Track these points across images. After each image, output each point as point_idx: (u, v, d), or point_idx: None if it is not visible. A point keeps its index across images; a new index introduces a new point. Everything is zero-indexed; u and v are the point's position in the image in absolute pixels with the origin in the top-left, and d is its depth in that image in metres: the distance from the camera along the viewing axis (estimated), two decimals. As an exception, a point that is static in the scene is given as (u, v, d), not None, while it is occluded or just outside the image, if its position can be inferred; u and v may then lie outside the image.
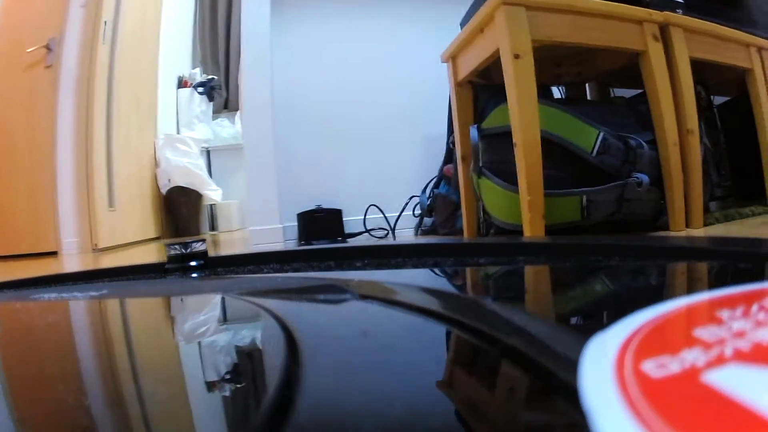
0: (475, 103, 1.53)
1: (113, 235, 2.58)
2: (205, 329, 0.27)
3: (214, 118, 3.67)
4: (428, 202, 1.89)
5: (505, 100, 1.20)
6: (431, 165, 2.08)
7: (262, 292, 0.33)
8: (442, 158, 1.91)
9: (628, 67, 1.40)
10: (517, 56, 1.15)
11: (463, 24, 1.50)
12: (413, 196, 2.10)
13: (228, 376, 0.19)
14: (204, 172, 3.29)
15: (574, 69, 1.59)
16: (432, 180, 1.95)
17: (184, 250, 0.49)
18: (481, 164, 1.33)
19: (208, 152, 3.59)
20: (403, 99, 2.36)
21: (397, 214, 2.13)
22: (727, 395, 0.09)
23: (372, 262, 0.45)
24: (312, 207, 2.20)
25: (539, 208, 1.13)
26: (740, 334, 0.11)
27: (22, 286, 0.49)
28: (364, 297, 0.26)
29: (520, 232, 1.21)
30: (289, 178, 2.24)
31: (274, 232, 2.09)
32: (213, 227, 3.42)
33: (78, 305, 0.37)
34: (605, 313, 0.23)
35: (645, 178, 1.21)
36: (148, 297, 0.39)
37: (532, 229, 1.14)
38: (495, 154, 1.32)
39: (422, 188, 1.98)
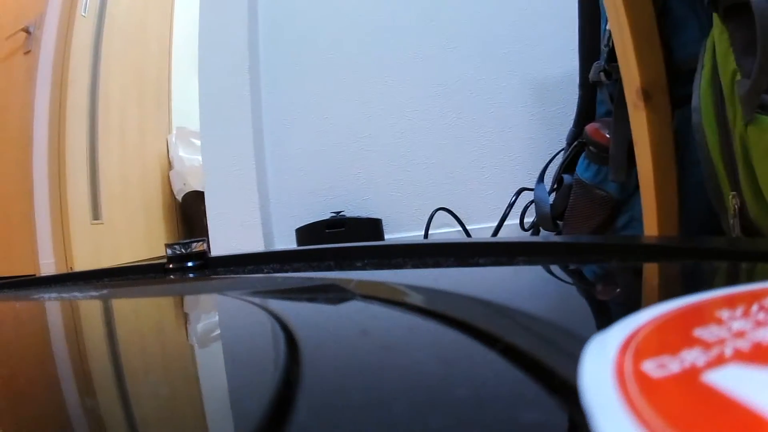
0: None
1: (98, 254, 2.08)
2: (204, 329, 0.27)
3: (246, 109, 3.15)
4: (551, 201, 0.93)
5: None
6: (550, 133, 1.10)
7: (262, 292, 0.33)
8: (571, 118, 0.93)
9: None
10: None
11: None
12: (523, 190, 1.11)
13: (227, 376, 0.19)
14: (227, 173, 2.80)
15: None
16: (555, 157, 0.99)
17: (184, 250, 0.49)
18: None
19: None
20: (479, 21, 1.27)
21: (494, 224, 1.12)
22: (727, 395, 0.09)
23: (372, 262, 0.45)
24: (324, 216, 1.28)
25: None
26: (740, 334, 0.11)
27: (22, 286, 0.50)
28: (364, 297, 0.26)
29: None
30: (285, 171, 1.37)
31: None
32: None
33: (77, 305, 0.37)
34: (605, 313, 0.23)
35: None
36: (147, 297, 0.39)
37: None
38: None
39: (538, 175, 1.00)
